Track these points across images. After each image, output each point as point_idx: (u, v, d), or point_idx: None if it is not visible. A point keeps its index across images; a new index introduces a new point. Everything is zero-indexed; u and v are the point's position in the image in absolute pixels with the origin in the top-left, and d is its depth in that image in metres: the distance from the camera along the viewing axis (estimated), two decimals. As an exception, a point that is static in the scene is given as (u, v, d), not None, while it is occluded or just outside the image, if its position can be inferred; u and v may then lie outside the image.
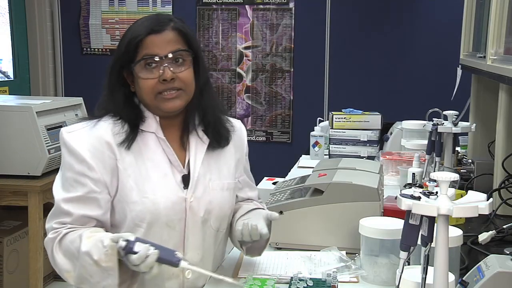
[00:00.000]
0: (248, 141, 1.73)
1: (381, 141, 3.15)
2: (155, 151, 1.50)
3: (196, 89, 1.53)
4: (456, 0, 3.67)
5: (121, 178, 1.46)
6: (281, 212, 1.77)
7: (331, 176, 1.81)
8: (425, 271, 1.14)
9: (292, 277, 1.50)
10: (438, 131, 2.23)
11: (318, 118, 3.65)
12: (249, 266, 1.62)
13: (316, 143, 3.17)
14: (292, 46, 4.57)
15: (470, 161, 2.61)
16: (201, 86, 1.54)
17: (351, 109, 3.22)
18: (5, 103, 3.22)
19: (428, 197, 1.13)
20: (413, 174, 2.31)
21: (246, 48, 4.63)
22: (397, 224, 1.52)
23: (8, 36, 4.54)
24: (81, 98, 3.63)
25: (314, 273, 1.56)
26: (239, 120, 1.71)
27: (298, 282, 1.46)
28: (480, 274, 1.29)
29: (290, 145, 4.63)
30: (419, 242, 1.15)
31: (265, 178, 2.93)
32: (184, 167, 1.52)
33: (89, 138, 1.46)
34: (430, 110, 2.39)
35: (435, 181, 1.13)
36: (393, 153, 2.83)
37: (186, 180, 1.51)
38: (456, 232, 1.44)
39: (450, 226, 1.14)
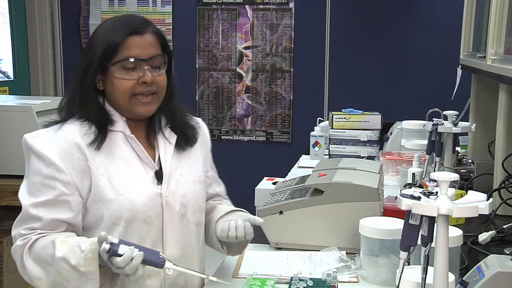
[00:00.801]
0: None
1: (381, 141, 3.15)
2: (125, 149, 1.49)
3: (166, 93, 1.54)
4: (456, 0, 3.67)
5: (94, 178, 1.44)
6: (281, 212, 1.77)
7: (331, 176, 1.81)
8: (425, 271, 1.14)
9: (292, 277, 1.50)
10: (438, 131, 2.23)
11: (318, 118, 3.65)
12: (249, 266, 1.62)
13: (316, 143, 3.17)
14: (292, 46, 4.57)
15: (470, 161, 2.61)
16: (171, 90, 1.56)
17: (351, 109, 3.22)
18: (5, 103, 3.22)
19: (428, 197, 1.13)
20: (413, 174, 2.31)
21: (246, 48, 4.63)
22: (397, 224, 1.52)
23: (8, 36, 4.53)
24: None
25: (314, 273, 1.56)
26: (200, 118, 1.74)
27: (298, 282, 1.46)
28: (480, 274, 1.29)
29: (290, 145, 4.63)
30: (419, 242, 1.15)
31: (265, 178, 2.92)
32: (155, 164, 1.53)
33: (56, 141, 1.44)
34: (430, 110, 2.39)
35: (435, 181, 1.13)
36: (393, 153, 2.83)
37: (158, 175, 1.51)
38: (456, 232, 1.44)
39: (450, 226, 1.14)
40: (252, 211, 1.74)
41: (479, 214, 1.10)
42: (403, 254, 1.17)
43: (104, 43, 1.45)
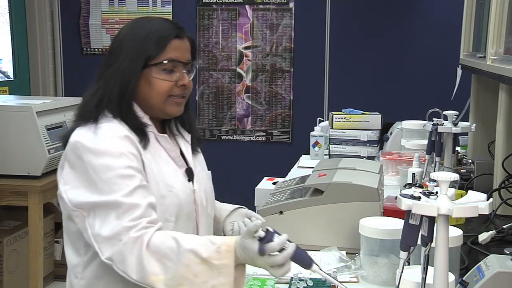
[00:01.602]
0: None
1: (381, 141, 3.15)
2: (158, 149, 1.51)
3: None
4: (456, 0, 3.67)
5: (148, 172, 1.44)
6: (281, 212, 1.77)
7: (331, 176, 1.82)
8: (425, 271, 1.14)
9: (292, 277, 1.50)
10: (438, 131, 2.23)
11: (318, 118, 3.65)
12: (249, 266, 1.62)
13: (316, 143, 3.17)
14: (292, 46, 4.57)
15: (470, 161, 2.61)
16: (189, 97, 1.59)
17: (351, 109, 3.22)
18: (5, 103, 3.22)
19: (428, 197, 1.13)
20: (413, 174, 2.31)
21: (246, 48, 4.63)
22: (397, 224, 1.53)
23: (8, 36, 4.53)
24: (81, 98, 3.63)
25: (314, 273, 1.55)
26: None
27: (298, 282, 1.46)
28: (480, 274, 1.29)
29: (290, 145, 4.63)
30: (419, 242, 1.15)
31: (265, 178, 2.92)
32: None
33: (110, 136, 1.41)
34: (430, 110, 2.40)
35: (435, 181, 1.14)
36: (393, 153, 2.83)
37: (189, 173, 1.55)
38: (456, 232, 1.44)
39: (450, 226, 1.14)
40: (252, 211, 1.74)
41: (479, 214, 1.10)
42: (403, 254, 1.17)
43: (151, 44, 1.45)
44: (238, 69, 4.65)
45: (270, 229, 1.27)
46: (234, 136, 4.67)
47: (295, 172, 2.84)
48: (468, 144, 2.92)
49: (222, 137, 4.68)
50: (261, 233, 1.25)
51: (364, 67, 4.48)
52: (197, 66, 1.54)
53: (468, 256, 1.69)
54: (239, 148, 4.64)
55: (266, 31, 4.58)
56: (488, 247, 1.77)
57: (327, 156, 3.15)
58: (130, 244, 1.30)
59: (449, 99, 3.17)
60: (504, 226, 1.87)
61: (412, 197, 1.13)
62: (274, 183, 2.75)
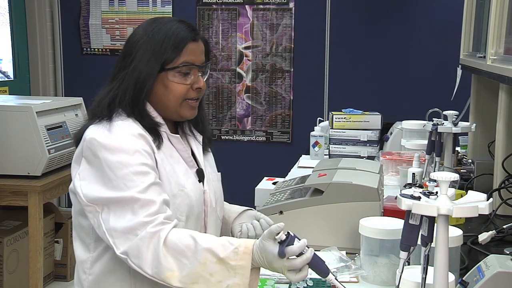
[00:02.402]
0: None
1: (381, 141, 3.15)
2: (170, 148, 1.52)
3: None
4: (456, 0, 3.67)
5: (160, 171, 1.44)
6: (281, 212, 1.77)
7: (331, 176, 1.81)
8: (425, 271, 1.14)
9: (292, 277, 1.49)
10: (438, 131, 2.23)
11: (318, 118, 3.65)
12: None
13: (316, 143, 3.17)
14: (292, 46, 4.57)
15: (470, 161, 2.61)
16: (202, 97, 1.59)
17: (351, 109, 3.22)
18: (5, 103, 3.22)
19: (428, 197, 1.13)
20: (413, 174, 2.31)
21: (246, 48, 4.63)
22: (397, 224, 1.53)
23: (8, 36, 4.53)
24: (81, 98, 3.64)
25: (314, 273, 1.55)
26: None
27: (298, 282, 1.46)
28: (480, 274, 1.29)
29: (290, 145, 4.63)
30: (419, 242, 1.15)
31: (265, 178, 2.92)
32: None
33: (124, 133, 1.41)
34: (430, 110, 2.40)
35: (435, 181, 1.14)
36: (393, 153, 2.83)
37: (200, 174, 1.57)
38: (456, 232, 1.44)
39: (450, 226, 1.14)
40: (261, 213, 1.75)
41: (479, 214, 1.10)
42: (403, 254, 1.17)
43: (168, 47, 1.45)
44: (238, 69, 4.65)
45: (291, 233, 1.27)
46: (234, 136, 4.67)
47: (295, 172, 2.83)
48: (468, 144, 2.92)
49: (222, 137, 4.68)
50: (283, 236, 1.26)
51: (364, 67, 4.48)
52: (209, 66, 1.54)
53: (468, 256, 1.69)
54: (239, 148, 4.64)
55: (266, 31, 4.58)
56: (488, 247, 1.76)
57: (327, 156, 3.15)
58: (147, 239, 1.30)
59: (449, 99, 3.17)
60: (504, 226, 1.87)
61: (412, 197, 1.13)
62: (274, 183, 2.75)
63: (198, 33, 1.52)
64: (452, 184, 1.15)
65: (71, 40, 4.84)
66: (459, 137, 2.71)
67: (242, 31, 4.62)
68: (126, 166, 1.36)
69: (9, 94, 4.33)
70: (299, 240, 1.28)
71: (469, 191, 1.17)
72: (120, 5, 4.77)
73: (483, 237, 1.79)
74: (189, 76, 1.49)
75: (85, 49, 4.85)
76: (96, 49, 4.83)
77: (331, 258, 1.65)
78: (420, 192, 1.14)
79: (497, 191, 2.11)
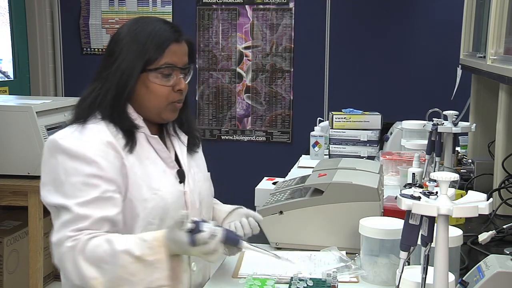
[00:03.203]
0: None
1: (381, 141, 3.15)
2: (148, 149, 1.51)
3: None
4: (456, 0, 3.67)
5: (130, 176, 1.44)
6: (281, 212, 1.77)
7: (331, 176, 1.81)
8: (425, 271, 1.14)
9: (292, 277, 1.50)
10: (438, 131, 2.23)
11: (318, 118, 3.65)
12: (249, 266, 1.62)
13: (316, 143, 3.16)
14: (292, 46, 4.57)
15: (470, 161, 2.61)
16: (187, 97, 1.59)
17: (351, 109, 3.22)
18: (5, 103, 3.22)
19: (428, 197, 1.13)
20: (413, 174, 2.31)
21: (246, 48, 4.63)
22: (397, 224, 1.52)
23: (8, 36, 4.53)
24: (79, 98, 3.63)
25: (314, 273, 1.56)
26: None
27: (298, 282, 1.46)
28: (480, 274, 1.29)
29: (290, 145, 4.63)
30: (419, 242, 1.15)
31: (265, 178, 2.93)
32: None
33: (91, 140, 1.42)
34: (430, 110, 2.39)
35: (435, 181, 1.14)
36: (393, 153, 2.83)
37: (180, 174, 1.55)
38: (456, 232, 1.44)
39: (450, 226, 1.14)
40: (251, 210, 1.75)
41: (479, 214, 1.10)
42: (403, 254, 1.17)
43: (151, 48, 1.44)
44: (238, 69, 4.65)
45: (197, 219, 1.30)
46: (234, 136, 4.67)
47: (295, 172, 2.83)
48: (468, 144, 2.92)
49: (222, 137, 4.68)
50: (189, 225, 1.28)
51: (364, 67, 4.48)
52: (197, 67, 1.54)
53: (468, 256, 1.69)
54: (239, 148, 4.64)
55: (266, 31, 4.58)
56: (488, 247, 1.76)
57: (327, 156, 3.15)
58: (67, 253, 1.34)
59: (449, 99, 3.17)
60: (504, 226, 1.86)
61: (412, 197, 1.13)
62: (274, 183, 2.75)
63: (182, 34, 1.50)
64: (452, 184, 1.15)
65: (71, 40, 4.84)
66: (459, 137, 2.71)
67: (242, 31, 4.62)
68: (80, 174, 1.38)
69: (9, 94, 4.34)
70: (207, 222, 1.30)
71: (469, 191, 1.17)
72: (120, 5, 4.78)
73: (483, 237, 1.79)
74: (171, 77, 1.48)
75: (85, 49, 4.85)
76: (96, 49, 4.83)
77: (331, 258, 1.65)
78: (420, 192, 1.14)
79: (497, 191, 2.11)
